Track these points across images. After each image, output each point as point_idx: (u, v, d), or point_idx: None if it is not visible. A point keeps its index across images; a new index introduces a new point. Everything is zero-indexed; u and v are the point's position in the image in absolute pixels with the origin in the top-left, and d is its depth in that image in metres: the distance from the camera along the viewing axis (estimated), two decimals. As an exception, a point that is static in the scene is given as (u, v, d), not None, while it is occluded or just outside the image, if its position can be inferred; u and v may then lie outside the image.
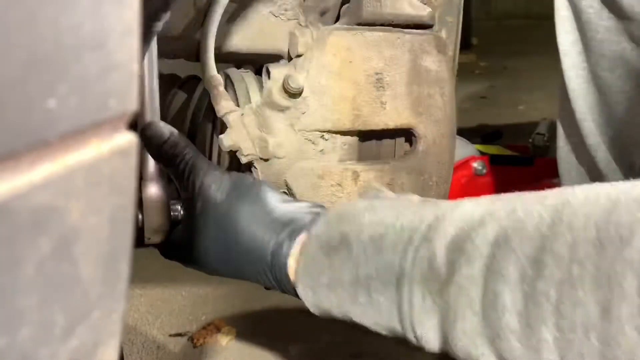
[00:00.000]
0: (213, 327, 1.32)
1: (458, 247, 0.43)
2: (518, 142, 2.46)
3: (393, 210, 0.51)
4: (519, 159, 2.14)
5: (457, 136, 0.81)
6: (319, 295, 0.52)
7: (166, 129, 0.59)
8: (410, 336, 0.46)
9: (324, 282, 0.51)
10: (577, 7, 0.87)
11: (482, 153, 2.11)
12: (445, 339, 0.44)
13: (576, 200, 0.41)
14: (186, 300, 1.42)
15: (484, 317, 0.41)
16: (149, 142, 0.60)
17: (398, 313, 0.46)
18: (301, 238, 0.54)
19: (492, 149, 2.22)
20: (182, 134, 0.61)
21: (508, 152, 2.22)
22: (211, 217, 0.57)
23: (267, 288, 0.58)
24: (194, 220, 0.58)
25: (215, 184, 0.58)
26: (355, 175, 0.68)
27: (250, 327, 1.31)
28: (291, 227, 0.55)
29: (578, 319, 0.36)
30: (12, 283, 0.21)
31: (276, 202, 0.57)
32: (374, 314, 0.48)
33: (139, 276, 1.45)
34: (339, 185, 0.68)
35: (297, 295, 0.54)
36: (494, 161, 2.04)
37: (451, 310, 0.43)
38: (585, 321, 0.36)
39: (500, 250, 0.41)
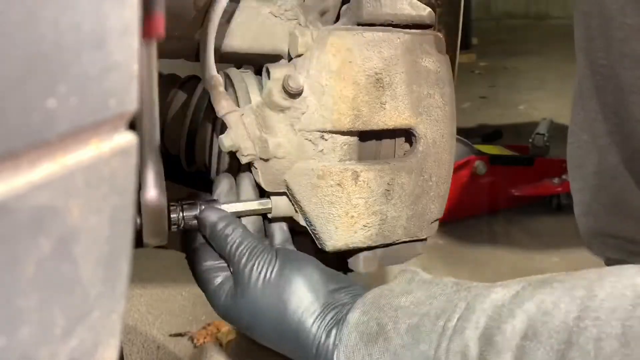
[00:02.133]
0: (213, 327, 1.32)
1: (488, 340, 0.45)
2: (518, 142, 2.46)
3: (427, 296, 0.53)
4: (519, 159, 2.14)
5: (457, 136, 0.81)
6: None
7: (217, 211, 0.66)
8: None
9: None
10: (599, 2, 0.85)
11: (482, 153, 2.11)
12: None
13: (603, 292, 0.41)
14: (186, 300, 1.42)
15: None
16: (202, 224, 0.65)
17: None
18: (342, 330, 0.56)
19: (492, 149, 2.22)
20: (233, 216, 0.66)
21: (508, 152, 2.22)
22: (260, 296, 0.60)
23: None
24: (243, 295, 0.61)
25: (262, 262, 0.61)
26: (355, 175, 0.68)
27: (250, 327, 1.31)
28: (336, 312, 0.58)
29: None
30: (12, 283, 0.21)
31: (322, 282, 0.60)
32: None
33: (139, 276, 1.45)
34: (339, 185, 0.68)
35: None
36: (494, 161, 2.05)
37: None
38: None
39: (529, 342, 0.42)
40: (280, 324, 0.59)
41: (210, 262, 0.65)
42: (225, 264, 0.64)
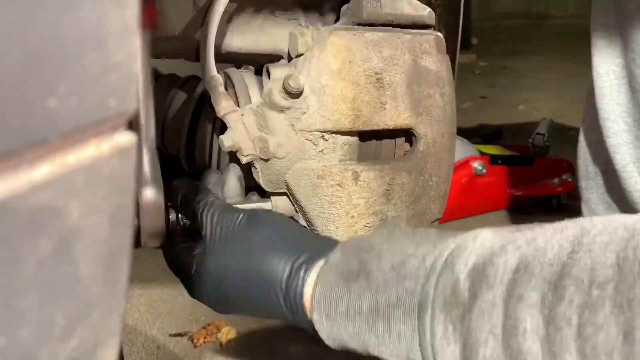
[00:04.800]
0: (213, 327, 1.32)
1: (479, 273, 0.43)
2: (518, 142, 2.46)
3: (412, 241, 0.51)
4: (519, 159, 2.14)
5: (457, 136, 0.81)
6: (335, 323, 0.50)
7: (189, 182, 0.64)
8: None
9: (342, 309, 0.50)
10: (616, 0, 0.84)
11: (482, 153, 2.11)
12: None
13: (595, 229, 0.41)
14: (186, 300, 1.42)
15: (506, 343, 0.40)
16: (175, 194, 0.63)
17: (419, 341, 0.46)
18: (318, 266, 0.53)
19: (492, 149, 2.22)
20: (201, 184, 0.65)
21: (508, 152, 2.22)
22: (228, 247, 0.57)
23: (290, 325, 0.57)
24: (211, 252, 0.58)
25: (231, 217, 0.58)
26: (356, 175, 0.68)
27: (250, 327, 1.31)
28: (308, 254, 0.54)
29: (600, 343, 0.36)
30: (12, 283, 0.21)
31: (292, 230, 0.57)
32: (393, 343, 0.47)
33: (139, 276, 1.45)
34: (339, 185, 0.68)
35: (310, 327, 0.53)
36: (494, 161, 2.05)
37: (472, 337, 0.42)
38: (607, 345, 0.36)
39: (521, 275, 0.41)
40: (246, 266, 0.55)
41: (185, 244, 0.63)
42: (201, 243, 0.62)
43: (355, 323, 0.49)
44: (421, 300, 0.46)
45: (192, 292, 0.62)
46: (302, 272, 0.53)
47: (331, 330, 0.51)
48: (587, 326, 0.37)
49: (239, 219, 0.58)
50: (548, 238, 0.42)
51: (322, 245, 0.55)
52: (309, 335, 0.55)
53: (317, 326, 0.52)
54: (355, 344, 0.50)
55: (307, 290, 0.52)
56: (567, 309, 0.38)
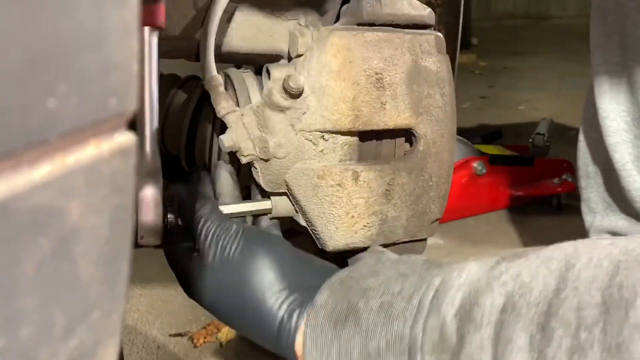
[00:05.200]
0: (213, 327, 1.32)
1: (466, 315, 0.43)
2: (518, 142, 2.46)
3: (397, 275, 0.51)
4: (519, 159, 2.14)
5: (457, 136, 0.81)
6: None
7: (186, 188, 0.64)
8: None
9: (333, 356, 0.50)
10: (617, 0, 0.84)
11: (482, 153, 2.12)
12: None
13: (580, 263, 0.41)
14: (186, 300, 1.42)
15: None
16: (172, 201, 0.64)
17: None
18: (308, 311, 0.54)
19: (492, 149, 2.22)
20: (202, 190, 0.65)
21: (508, 152, 2.22)
22: (223, 272, 0.58)
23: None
24: (206, 271, 0.59)
25: (228, 238, 0.59)
26: (356, 175, 0.68)
27: (250, 327, 1.31)
28: (300, 294, 0.55)
29: None
30: (12, 283, 0.21)
31: (286, 260, 0.58)
32: None
33: (139, 276, 1.45)
34: (339, 185, 0.68)
35: None
36: (494, 161, 2.05)
37: None
38: None
39: (508, 316, 0.41)
40: (240, 302, 0.56)
41: (185, 244, 0.63)
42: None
43: None
44: (410, 344, 0.46)
45: (190, 294, 0.62)
46: (293, 320, 0.54)
47: None
48: None
49: (235, 243, 0.58)
50: (533, 272, 0.42)
51: (316, 278, 0.56)
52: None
53: None
54: None
55: (299, 336, 0.53)
56: (556, 352, 0.38)
